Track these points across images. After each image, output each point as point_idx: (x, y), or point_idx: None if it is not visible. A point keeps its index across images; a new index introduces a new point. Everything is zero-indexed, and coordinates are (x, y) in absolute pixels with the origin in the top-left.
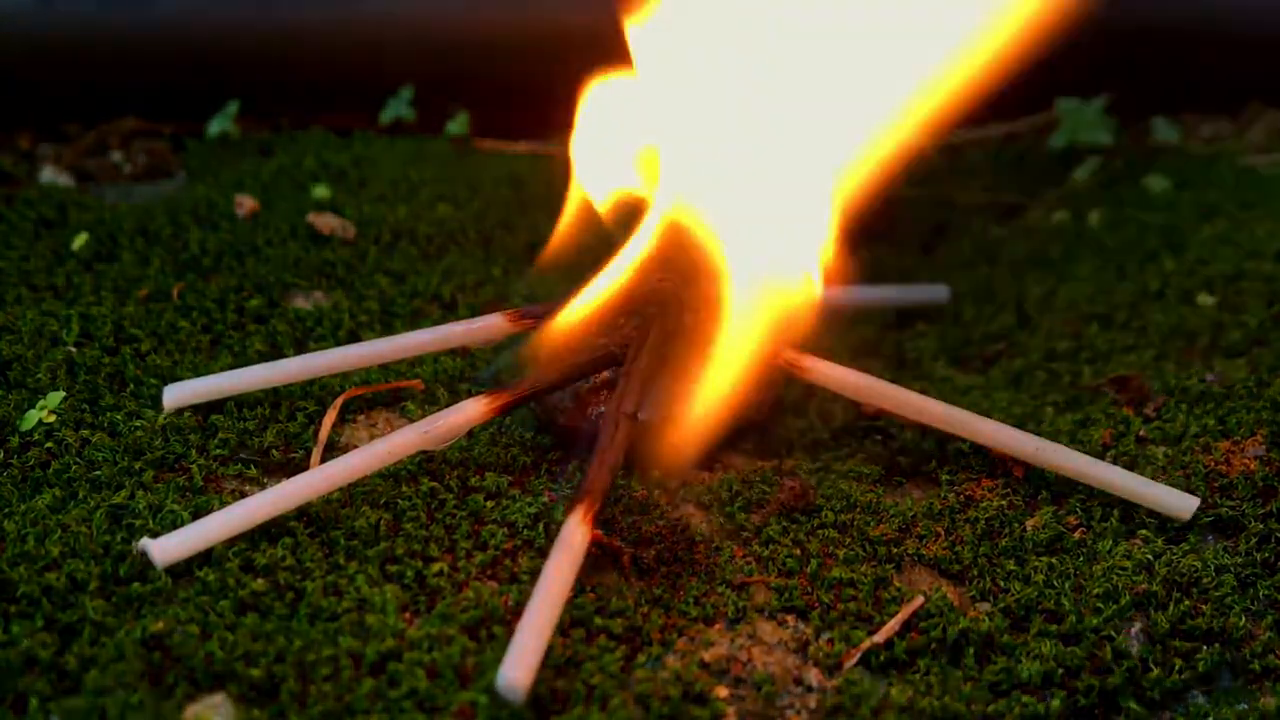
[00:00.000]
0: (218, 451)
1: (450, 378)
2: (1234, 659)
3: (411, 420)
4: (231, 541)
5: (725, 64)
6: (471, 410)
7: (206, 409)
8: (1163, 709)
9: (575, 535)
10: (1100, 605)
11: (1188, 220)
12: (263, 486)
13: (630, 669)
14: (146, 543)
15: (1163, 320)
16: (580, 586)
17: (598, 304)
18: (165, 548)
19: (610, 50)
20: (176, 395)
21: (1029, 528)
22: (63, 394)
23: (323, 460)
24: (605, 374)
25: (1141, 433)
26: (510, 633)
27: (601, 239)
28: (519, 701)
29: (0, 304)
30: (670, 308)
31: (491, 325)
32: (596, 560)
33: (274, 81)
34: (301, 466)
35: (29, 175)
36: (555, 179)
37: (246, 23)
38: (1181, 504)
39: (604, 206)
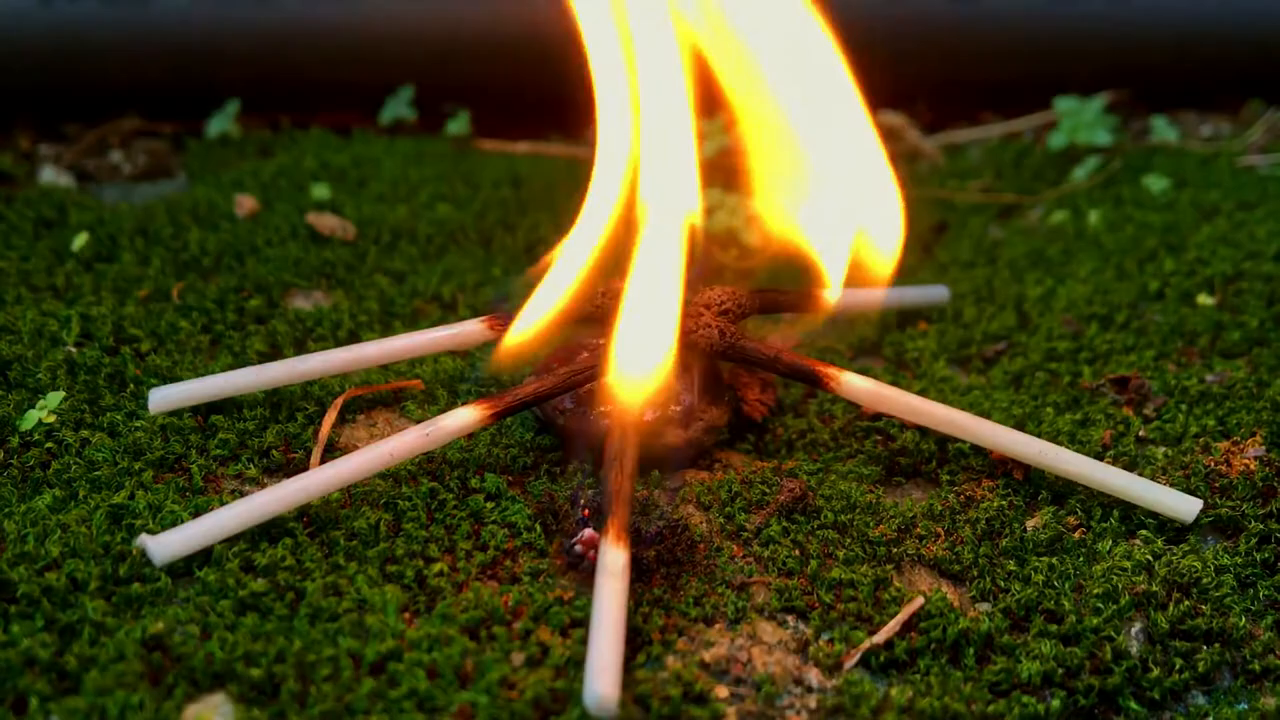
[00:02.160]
0: (217, 452)
1: (450, 378)
2: (1234, 659)
3: (412, 420)
4: (232, 541)
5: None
6: (467, 417)
7: (207, 409)
8: (1163, 709)
9: (614, 560)
10: (1100, 605)
11: (1187, 220)
12: (262, 487)
13: (630, 669)
14: (145, 540)
15: (1163, 320)
16: (580, 588)
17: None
18: (164, 545)
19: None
20: (162, 399)
21: (1029, 528)
22: (63, 394)
23: (323, 460)
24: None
25: (1141, 433)
26: (511, 634)
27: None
28: (613, 714)
29: (0, 304)
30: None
31: (472, 331)
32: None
33: (274, 81)
34: (301, 466)
35: (29, 175)
36: (556, 178)
37: (246, 22)
38: (1185, 506)
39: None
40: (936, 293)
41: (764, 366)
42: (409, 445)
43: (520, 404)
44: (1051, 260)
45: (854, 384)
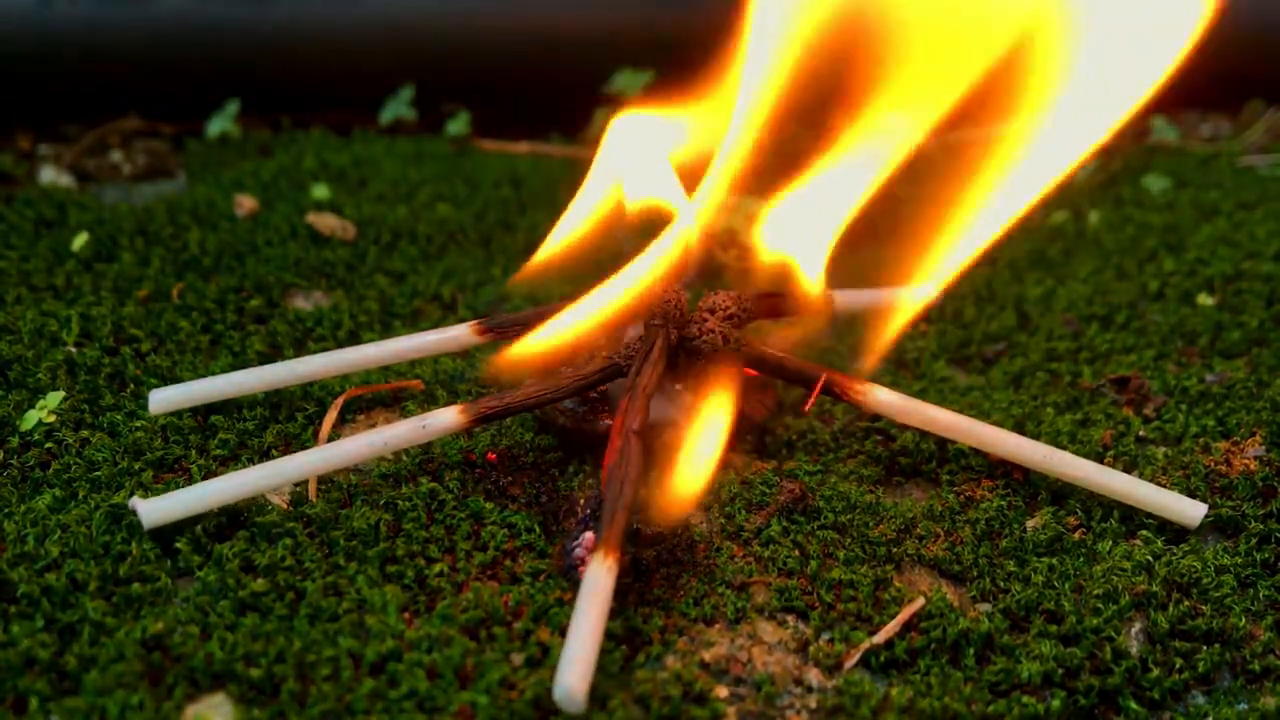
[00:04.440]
0: (217, 452)
1: (450, 378)
2: (1234, 659)
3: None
4: (232, 541)
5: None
6: (445, 421)
7: (206, 409)
8: (1163, 709)
9: (602, 578)
10: (1100, 605)
11: (1187, 220)
12: None
13: (630, 669)
14: (136, 503)
15: (1163, 320)
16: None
17: (590, 321)
18: (154, 509)
19: (609, 51)
20: (162, 400)
21: (1029, 528)
22: (63, 394)
23: None
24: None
25: (1141, 433)
26: (511, 635)
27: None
28: (580, 709)
29: (0, 304)
30: (674, 320)
31: (459, 336)
32: None
33: (274, 81)
34: None
35: (29, 175)
36: (556, 178)
37: (246, 23)
38: (1190, 511)
39: (631, 211)
40: (924, 292)
41: (772, 374)
42: (403, 436)
43: (500, 411)
44: (1052, 260)
45: (879, 396)
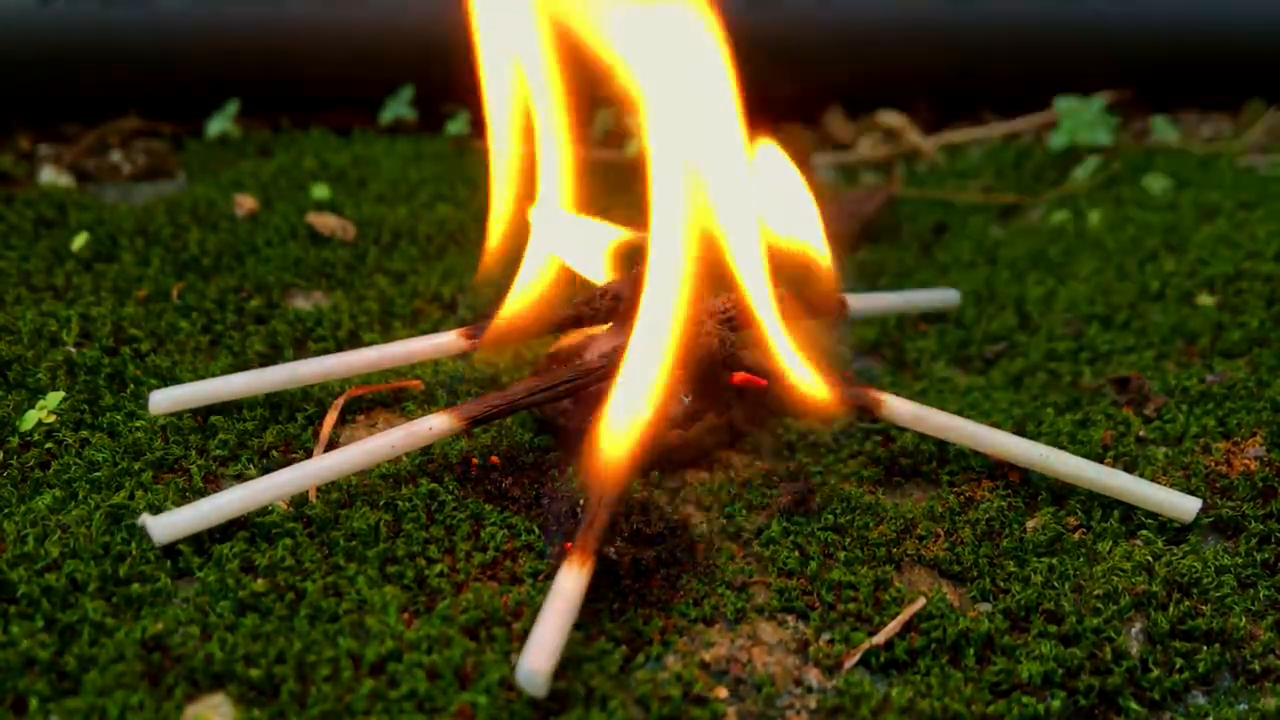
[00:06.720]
0: (217, 452)
1: (450, 378)
2: (1234, 659)
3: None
4: (232, 541)
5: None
6: (438, 424)
7: (206, 409)
8: (1163, 709)
9: (569, 582)
10: (1100, 606)
11: (1188, 220)
12: None
13: (630, 670)
14: (146, 520)
15: (1163, 320)
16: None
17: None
18: (164, 525)
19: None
20: (163, 400)
21: (1029, 529)
22: (62, 394)
23: None
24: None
25: (1141, 433)
26: (511, 635)
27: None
28: (542, 689)
29: (0, 304)
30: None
31: (447, 343)
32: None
33: (274, 81)
34: None
35: (29, 175)
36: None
37: (246, 22)
38: (1184, 506)
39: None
40: (948, 297)
41: (764, 378)
42: (400, 442)
43: (494, 413)
44: (1052, 260)
45: (896, 407)
